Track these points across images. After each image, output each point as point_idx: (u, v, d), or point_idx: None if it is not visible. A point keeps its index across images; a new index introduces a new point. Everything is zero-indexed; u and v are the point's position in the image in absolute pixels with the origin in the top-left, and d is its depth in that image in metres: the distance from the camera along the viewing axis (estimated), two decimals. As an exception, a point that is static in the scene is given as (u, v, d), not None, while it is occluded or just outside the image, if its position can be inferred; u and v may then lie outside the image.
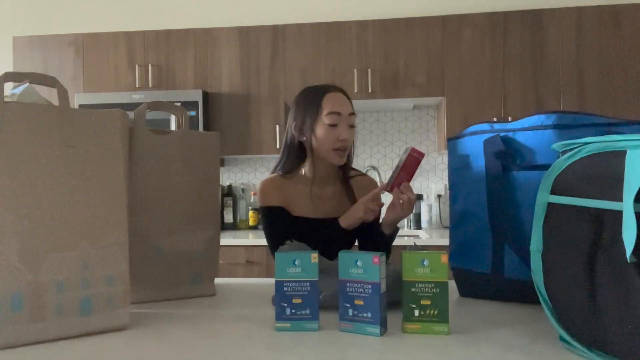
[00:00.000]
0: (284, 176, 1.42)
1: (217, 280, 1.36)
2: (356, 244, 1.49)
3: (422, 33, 2.99)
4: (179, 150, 1.14)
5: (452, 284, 1.23)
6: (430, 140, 3.35)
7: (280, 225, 1.39)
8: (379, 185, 1.49)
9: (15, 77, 0.85)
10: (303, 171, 1.43)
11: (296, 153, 1.40)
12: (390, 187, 1.26)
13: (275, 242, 1.38)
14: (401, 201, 1.26)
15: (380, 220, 1.37)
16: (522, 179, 0.99)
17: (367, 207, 1.29)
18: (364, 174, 1.52)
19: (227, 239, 2.85)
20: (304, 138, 1.37)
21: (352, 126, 1.36)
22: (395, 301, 0.97)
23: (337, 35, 3.05)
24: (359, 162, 3.37)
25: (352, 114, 1.36)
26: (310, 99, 1.37)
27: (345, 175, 1.45)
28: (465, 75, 2.96)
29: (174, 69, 3.16)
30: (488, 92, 2.94)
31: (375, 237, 1.38)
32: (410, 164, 1.24)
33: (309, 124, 1.35)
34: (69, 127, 0.86)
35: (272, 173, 1.45)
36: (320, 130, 1.34)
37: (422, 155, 1.23)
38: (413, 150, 1.23)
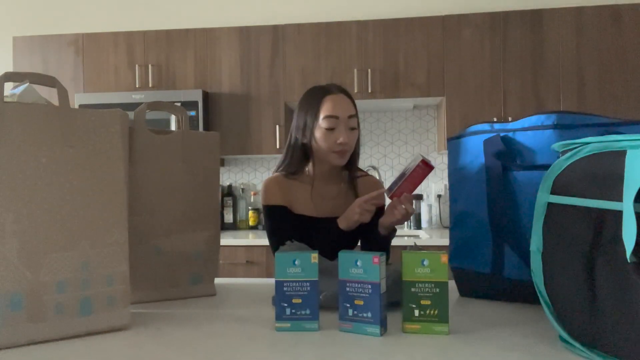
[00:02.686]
0: (287, 176, 1.42)
1: (217, 280, 1.36)
2: (359, 244, 1.49)
3: (422, 33, 2.99)
4: (179, 150, 1.14)
5: (452, 284, 1.23)
6: (430, 140, 3.35)
7: (283, 224, 1.39)
8: (384, 186, 1.49)
9: (15, 77, 0.85)
10: (307, 170, 1.43)
11: (299, 154, 1.40)
12: (391, 194, 1.23)
13: (277, 241, 1.38)
14: (396, 211, 1.25)
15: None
16: (522, 179, 0.99)
17: (362, 209, 1.28)
18: (370, 175, 1.52)
19: (227, 239, 2.85)
20: (306, 140, 1.37)
21: (353, 129, 1.35)
22: (396, 301, 0.97)
23: (337, 35, 3.05)
24: (359, 162, 3.37)
25: (353, 116, 1.35)
26: (311, 102, 1.37)
27: (351, 176, 1.45)
28: (465, 75, 2.96)
29: (174, 69, 3.16)
30: (488, 92, 2.94)
31: (373, 237, 1.38)
32: (417, 175, 1.18)
33: (309, 126, 1.36)
34: (69, 127, 0.86)
35: (275, 172, 1.45)
36: (318, 133, 1.34)
37: (430, 168, 1.17)
38: (423, 162, 1.17)
